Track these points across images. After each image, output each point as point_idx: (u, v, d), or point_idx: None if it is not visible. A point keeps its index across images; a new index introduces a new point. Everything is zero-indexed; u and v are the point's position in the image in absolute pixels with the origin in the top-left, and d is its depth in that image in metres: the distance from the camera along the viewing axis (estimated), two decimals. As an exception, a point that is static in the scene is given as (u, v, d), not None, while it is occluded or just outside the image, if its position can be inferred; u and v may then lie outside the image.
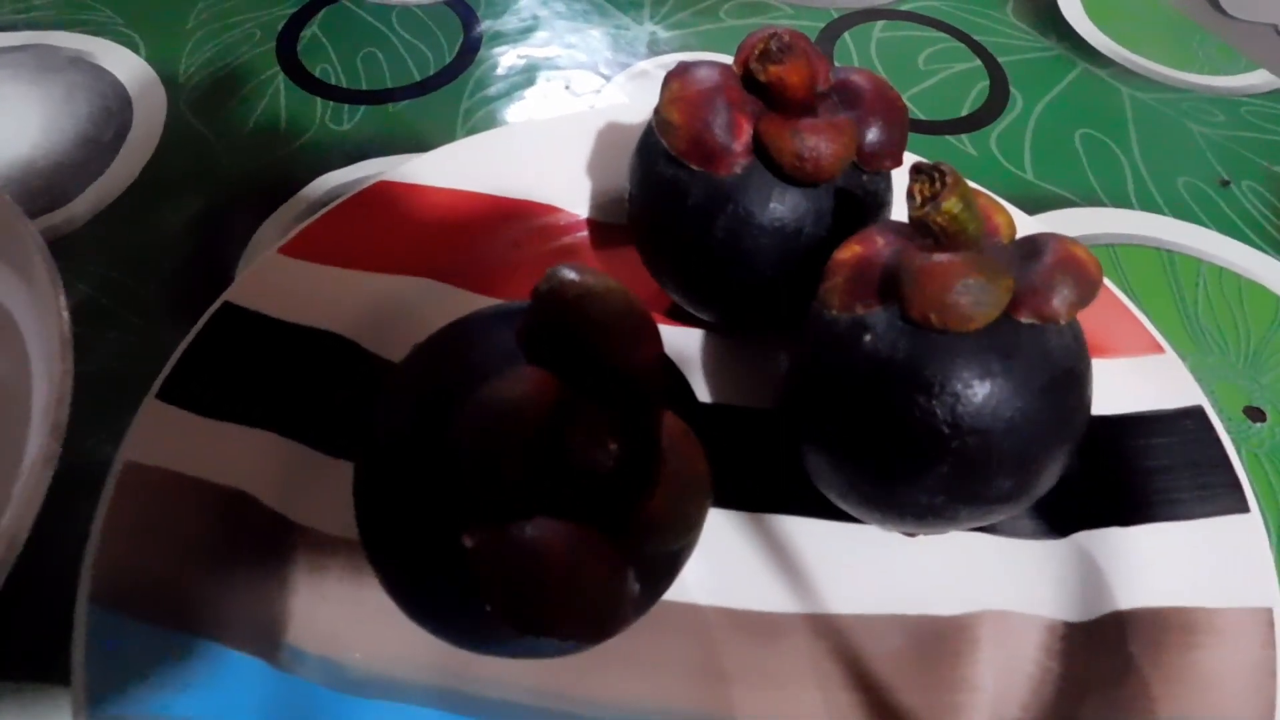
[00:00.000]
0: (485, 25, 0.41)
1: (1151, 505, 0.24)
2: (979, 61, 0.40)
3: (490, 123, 0.36)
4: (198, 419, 0.24)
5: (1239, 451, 0.27)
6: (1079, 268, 0.19)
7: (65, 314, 0.20)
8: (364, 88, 0.38)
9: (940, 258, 0.19)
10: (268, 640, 0.22)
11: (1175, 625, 0.22)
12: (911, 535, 0.24)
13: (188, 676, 0.20)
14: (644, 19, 0.42)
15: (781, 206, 0.23)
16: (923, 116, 0.38)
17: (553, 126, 0.32)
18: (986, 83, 0.39)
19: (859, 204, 0.24)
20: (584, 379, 0.16)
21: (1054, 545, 0.24)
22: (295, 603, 0.23)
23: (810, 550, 0.24)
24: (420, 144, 0.35)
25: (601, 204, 0.31)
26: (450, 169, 0.31)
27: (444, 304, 0.29)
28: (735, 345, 0.28)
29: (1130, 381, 0.26)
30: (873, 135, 0.23)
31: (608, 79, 0.39)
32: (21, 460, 0.19)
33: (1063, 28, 0.42)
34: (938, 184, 0.19)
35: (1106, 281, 0.28)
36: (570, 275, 0.16)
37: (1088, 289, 0.19)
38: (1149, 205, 0.34)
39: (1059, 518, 0.24)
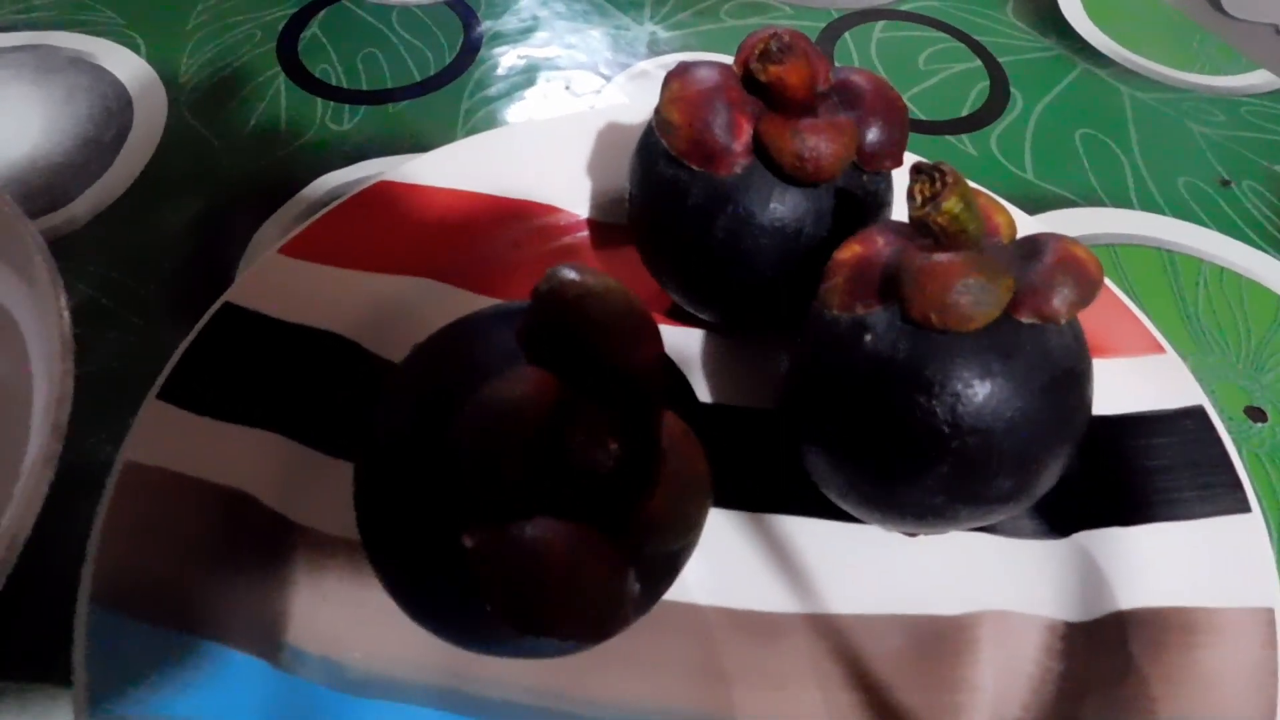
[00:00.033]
0: (485, 25, 0.41)
1: (1152, 505, 0.24)
2: (979, 61, 0.40)
3: (490, 123, 0.37)
4: (198, 419, 0.24)
5: (1240, 451, 0.27)
6: (1079, 267, 0.19)
7: (66, 314, 0.20)
8: (364, 88, 0.38)
9: (941, 258, 0.19)
10: (268, 640, 0.22)
11: (1176, 625, 0.22)
12: (912, 535, 0.24)
13: (188, 676, 0.20)
14: (644, 19, 0.42)
15: (782, 206, 0.23)
16: (923, 116, 0.38)
17: (553, 127, 0.32)
18: (987, 83, 0.39)
19: (859, 204, 0.24)
20: (584, 379, 0.16)
21: (1054, 545, 0.24)
22: (295, 603, 0.23)
23: (810, 550, 0.24)
24: (420, 144, 0.35)
25: (601, 204, 0.31)
26: (450, 169, 0.31)
27: (444, 304, 0.29)
28: (735, 345, 0.28)
29: (1131, 381, 0.26)
30: (873, 135, 0.23)
31: (608, 79, 0.39)
32: (22, 460, 0.19)
33: (1063, 28, 0.42)
34: (938, 184, 0.19)
35: (1107, 281, 0.28)
36: (570, 275, 0.16)
37: (1088, 289, 0.19)
38: (1149, 205, 0.34)
39: (1059, 518, 0.24)
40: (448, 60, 0.39)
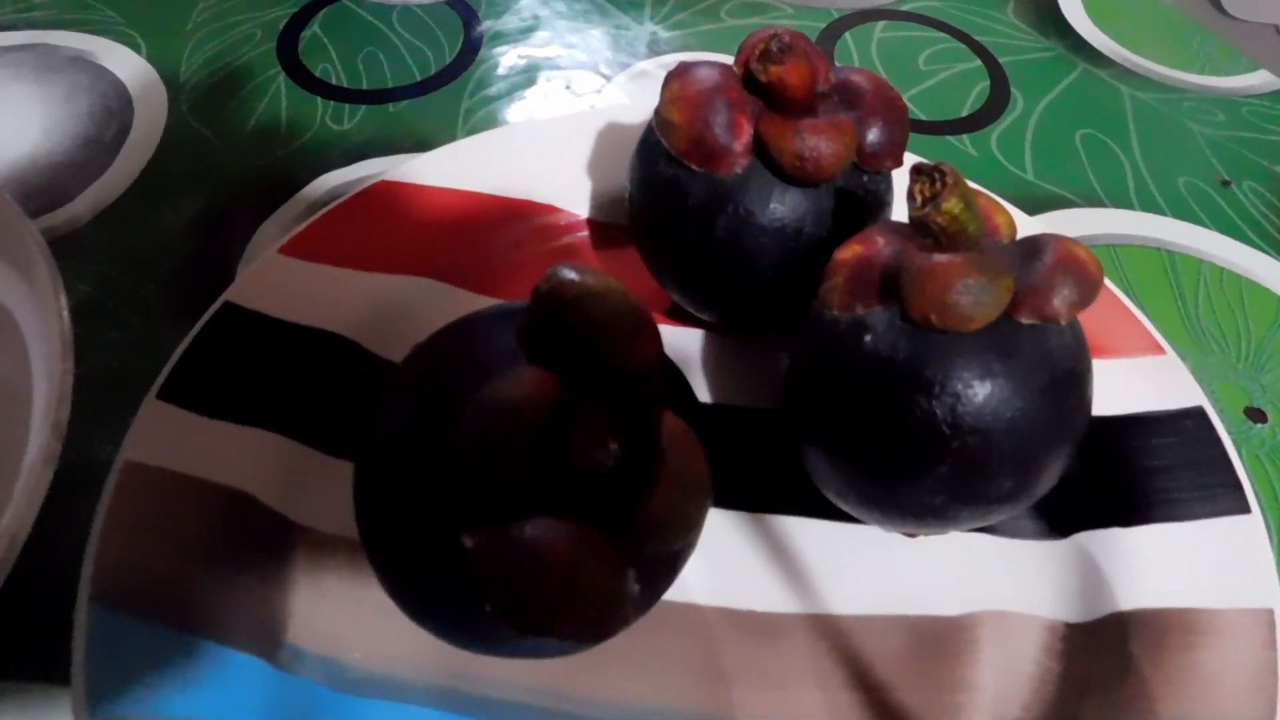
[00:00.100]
0: (486, 25, 0.41)
1: (1152, 506, 0.24)
2: (979, 62, 0.40)
3: (491, 122, 0.36)
4: (198, 419, 0.24)
5: (1240, 452, 0.27)
6: (1079, 268, 0.19)
7: (66, 314, 0.20)
8: (365, 87, 0.38)
9: (941, 258, 0.19)
10: (268, 640, 0.22)
11: (1176, 626, 0.22)
12: (912, 535, 0.24)
13: (188, 676, 0.20)
14: (644, 19, 0.42)
15: (782, 206, 0.23)
16: (923, 116, 0.38)
17: (553, 126, 0.32)
18: (987, 83, 0.39)
19: (859, 204, 0.24)
20: (584, 379, 0.16)
21: (1054, 546, 0.24)
22: (295, 602, 0.23)
23: (810, 550, 0.24)
24: (421, 144, 0.35)
25: (602, 204, 0.31)
26: (451, 169, 0.31)
27: (444, 304, 0.29)
28: (735, 345, 0.28)
29: (1131, 382, 0.26)
30: (873, 135, 0.23)
31: (608, 79, 0.39)
32: (22, 459, 0.19)
33: (1063, 28, 0.42)
34: (938, 184, 0.19)
35: (1107, 282, 0.28)
36: (570, 275, 0.16)
37: (1088, 289, 0.19)
38: (1149, 205, 0.34)
39: (1059, 518, 0.24)
40: (448, 60, 0.39)
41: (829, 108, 0.23)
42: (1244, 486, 0.24)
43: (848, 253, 0.21)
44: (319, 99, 0.37)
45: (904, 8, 0.43)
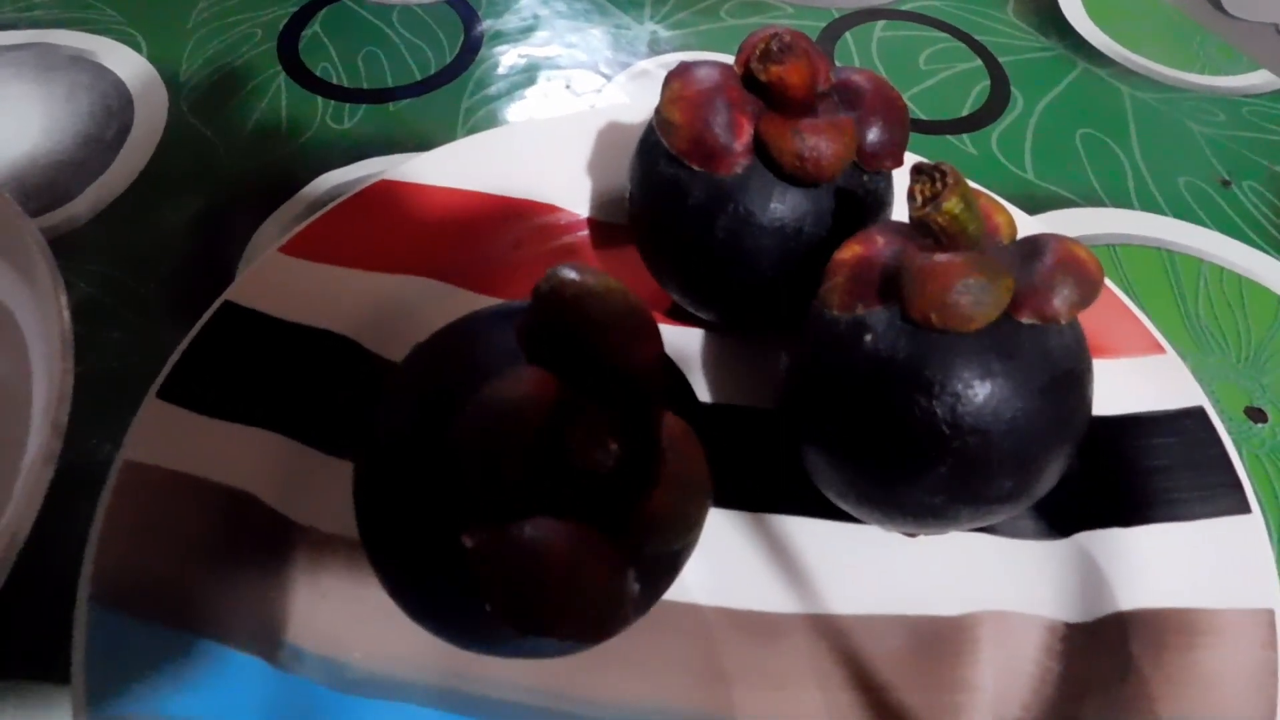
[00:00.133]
0: (486, 24, 0.41)
1: (1152, 506, 0.24)
2: (980, 61, 0.40)
3: (491, 122, 0.36)
4: (198, 418, 0.24)
5: (1240, 452, 0.27)
6: (1080, 268, 0.19)
7: (66, 313, 0.20)
8: (365, 87, 0.38)
9: (941, 258, 0.19)
10: (268, 640, 0.22)
11: (1176, 626, 0.22)
12: (912, 535, 0.24)
13: (188, 676, 0.20)
14: (645, 18, 0.42)
15: (782, 206, 0.23)
16: (923, 116, 0.38)
17: (553, 126, 0.32)
18: (987, 83, 0.39)
19: (859, 204, 0.24)
20: (584, 379, 0.16)
21: (1054, 546, 0.24)
22: (295, 602, 0.23)
23: (810, 550, 0.24)
24: (421, 143, 0.35)
25: (602, 204, 0.31)
26: (451, 168, 0.31)
27: (444, 304, 0.29)
28: (735, 345, 0.28)
29: (1131, 382, 0.26)
30: (873, 135, 0.23)
31: (608, 78, 0.39)
32: (22, 459, 0.19)
33: (1063, 27, 0.42)
34: (938, 184, 0.19)
35: (1107, 282, 0.28)
36: (570, 275, 0.16)
37: (1089, 289, 0.19)
38: (1150, 205, 0.34)
39: (1059, 518, 0.24)
40: (448, 59, 0.39)
41: (829, 107, 0.23)
42: (1244, 486, 0.24)
43: (848, 252, 0.21)
44: (319, 98, 0.37)
45: (904, 7, 0.43)
